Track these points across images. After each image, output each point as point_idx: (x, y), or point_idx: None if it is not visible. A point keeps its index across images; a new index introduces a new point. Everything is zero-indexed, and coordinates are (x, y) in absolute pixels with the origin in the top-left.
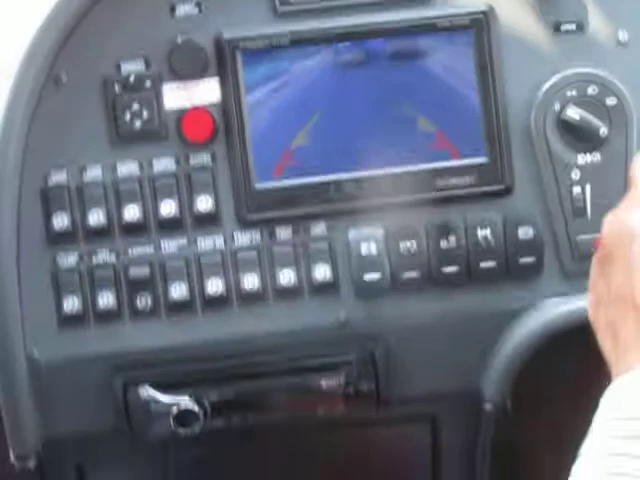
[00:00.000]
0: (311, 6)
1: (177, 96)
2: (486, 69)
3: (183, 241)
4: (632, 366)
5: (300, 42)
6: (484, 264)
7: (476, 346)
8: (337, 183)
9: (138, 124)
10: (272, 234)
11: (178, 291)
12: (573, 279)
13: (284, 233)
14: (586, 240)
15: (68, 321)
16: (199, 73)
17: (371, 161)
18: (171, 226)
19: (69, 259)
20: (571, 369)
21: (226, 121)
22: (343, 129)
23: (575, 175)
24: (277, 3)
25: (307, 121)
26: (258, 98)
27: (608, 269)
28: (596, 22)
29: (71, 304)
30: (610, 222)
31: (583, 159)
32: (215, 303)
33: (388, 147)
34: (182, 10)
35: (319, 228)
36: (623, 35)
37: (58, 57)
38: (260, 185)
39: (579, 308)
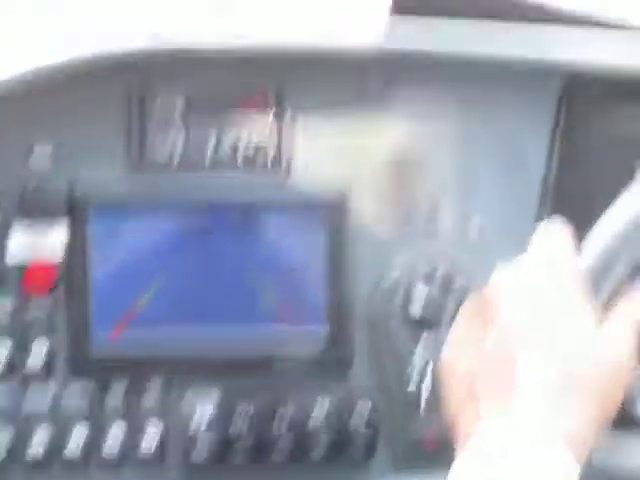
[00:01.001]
0: (167, 168)
1: (22, 245)
2: (334, 250)
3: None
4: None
5: (152, 203)
6: (316, 440)
7: None
8: (175, 348)
9: None
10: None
11: None
12: (404, 466)
13: (117, 391)
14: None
15: None
16: (47, 223)
17: (209, 329)
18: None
19: None
20: None
21: (68, 276)
22: (185, 295)
23: (417, 355)
24: (133, 160)
25: (151, 284)
26: (104, 256)
27: (486, 316)
28: (448, 211)
29: None
30: (500, 274)
31: (426, 340)
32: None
33: (228, 317)
34: (37, 156)
35: (154, 390)
36: (474, 224)
37: None
38: (97, 344)
39: None
